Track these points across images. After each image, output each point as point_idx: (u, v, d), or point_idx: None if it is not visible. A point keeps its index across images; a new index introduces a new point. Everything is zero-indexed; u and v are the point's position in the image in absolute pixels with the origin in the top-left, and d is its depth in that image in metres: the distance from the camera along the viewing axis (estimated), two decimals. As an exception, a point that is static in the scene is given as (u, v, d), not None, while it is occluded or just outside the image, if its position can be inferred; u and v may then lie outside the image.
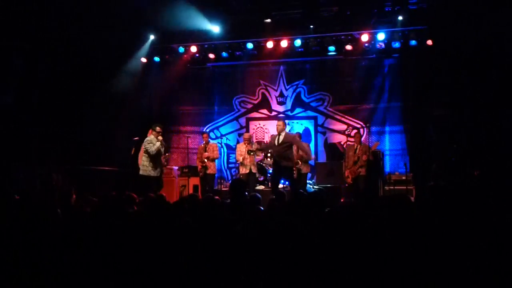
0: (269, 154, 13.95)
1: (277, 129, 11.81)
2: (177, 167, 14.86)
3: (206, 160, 13.35)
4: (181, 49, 15.59)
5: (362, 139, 13.87)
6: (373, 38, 14.22)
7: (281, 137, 11.63)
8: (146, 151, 11.67)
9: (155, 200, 6.09)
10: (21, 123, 12.65)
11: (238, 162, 13.43)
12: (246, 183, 6.53)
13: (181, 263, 3.68)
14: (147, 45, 15.52)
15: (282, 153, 11.60)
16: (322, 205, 5.60)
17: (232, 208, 6.00)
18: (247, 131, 15.92)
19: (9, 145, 12.09)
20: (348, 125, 15.45)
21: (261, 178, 13.97)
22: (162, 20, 14.52)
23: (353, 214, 4.76)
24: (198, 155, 13.83)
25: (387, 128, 15.11)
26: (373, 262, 3.48)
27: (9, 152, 12.03)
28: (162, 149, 11.89)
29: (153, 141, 11.65)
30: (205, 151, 13.50)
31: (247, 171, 13.04)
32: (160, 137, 11.71)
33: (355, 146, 13.04)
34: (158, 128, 11.74)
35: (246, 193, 7.11)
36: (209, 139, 14.35)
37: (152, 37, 15.41)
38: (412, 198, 11.34)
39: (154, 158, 11.73)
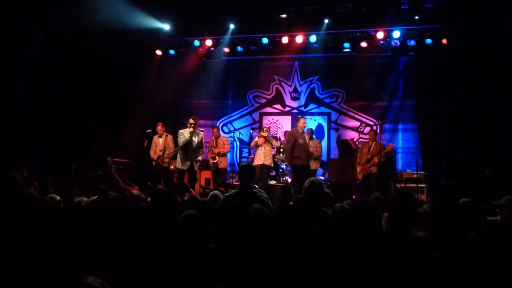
0: (281, 150, 13.99)
1: (303, 128, 12.22)
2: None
3: (217, 156, 13.38)
4: (196, 43, 15.62)
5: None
6: (388, 35, 14.21)
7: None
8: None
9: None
10: (35, 112, 12.74)
11: (255, 142, 13.18)
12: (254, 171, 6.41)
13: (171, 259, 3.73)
14: (165, 38, 15.54)
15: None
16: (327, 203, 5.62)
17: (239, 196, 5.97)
18: (260, 126, 15.95)
19: (23, 134, 12.19)
20: (361, 122, 15.45)
21: (273, 173, 13.98)
22: (178, 13, 14.63)
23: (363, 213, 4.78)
24: (209, 148, 13.85)
25: (400, 126, 15.09)
26: (378, 263, 3.50)
27: (23, 140, 12.13)
28: (195, 141, 11.85)
29: (184, 133, 11.70)
30: (216, 145, 13.53)
31: (260, 162, 12.76)
32: (191, 129, 11.67)
33: (370, 144, 13.02)
34: (191, 120, 11.75)
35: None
36: (220, 133, 14.37)
37: (167, 27, 15.40)
38: (423, 196, 11.35)
39: (184, 151, 11.76)
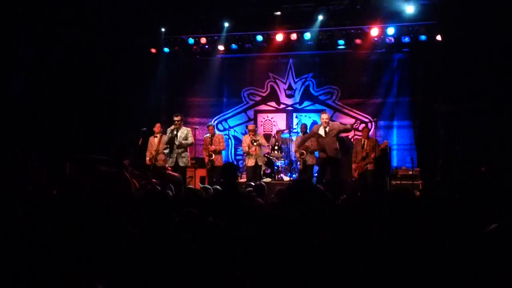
0: (276, 147, 14.00)
1: (323, 123, 12.02)
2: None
3: (213, 154, 13.37)
4: (191, 40, 15.59)
5: (370, 133, 13.88)
6: (382, 32, 14.22)
7: (328, 128, 11.89)
8: None
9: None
10: (30, 111, 12.68)
11: (245, 153, 13.56)
12: (237, 167, 6.39)
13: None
14: (159, 36, 15.46)
15: (331, 144, 11.90)
16: (323, 199, 5.61)
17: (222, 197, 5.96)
18: (255, 123, 15.95)
19: (18, 132, 12.14)
20: (356, 119, 15.45)
21: (268, 171, 13.98)
22: (172, 11, 14.61)
23: (359, 208, 4.78)
24: (204, 146, 13.86)
25: (395, 123, 15.12)
26: (376, 259, 3.49)
27: (18, 140, 12.07)
28: (179, 137, 11.91)
29: (168, 131, 11.89)
30: (211, 143, 13.54)
31: (253, 163, 13.15)
32: (172, 126, 11.88)
33: (363, 141, 13.06)
34: (175, 118, 12.01)
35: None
36: (215, 131, 14.38)
37: (163, 30, 15.33)
38: (418, 193, 11.37)
39: (169, 149, 11.98)
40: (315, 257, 3.54)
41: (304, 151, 13.07)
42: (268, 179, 13.60)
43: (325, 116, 12.16)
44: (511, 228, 2.95)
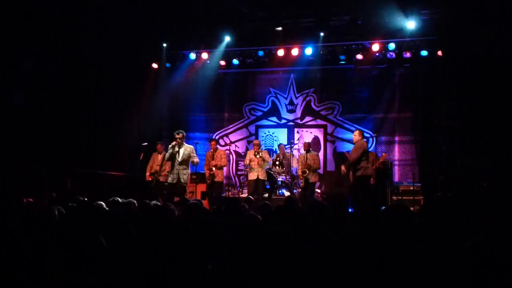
0: (277, 162, 13.97)
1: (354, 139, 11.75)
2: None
3: (213, 168, 13.31)
4: (192, 56, 15.63)
5: (371, 148, 13.83)
6: (384, 47, 14.22)
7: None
8: None
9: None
10: (31, 125, 12.69)
11: (246, 165, 13.52)
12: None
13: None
14: (161, 52, 15.51)
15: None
16: (324, 216, 5.57)
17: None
18: (256, 138, 15.92)
19: (19, 147, 12.13)
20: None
21: (268, 186, 13.92)
22: (174, 26, 14.67)
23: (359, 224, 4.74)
24: (205, 161, 13.77)
25: (396, 138, 15.07)
26: (373, 274, 3.45)
27: (19, 154, 12.06)
28: (179, 156, 11.59)
29: (169, 147, 11.63)
30: (213, 158, 13.47)
31: (255, 177, 13.08)
32: (174, 142, 11.46)
33: (363, 156, 12.99)
34: (176, 135, 11.55)
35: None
36: (217, 146, 14.33)
37: (165, 45, 15.37)
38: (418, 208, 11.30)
39: (170, 165, 11.72)
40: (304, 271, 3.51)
41: (306, 170, 13.03)
42: (265, 194, 13.56)
43: (357, 133, 11.86)
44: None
